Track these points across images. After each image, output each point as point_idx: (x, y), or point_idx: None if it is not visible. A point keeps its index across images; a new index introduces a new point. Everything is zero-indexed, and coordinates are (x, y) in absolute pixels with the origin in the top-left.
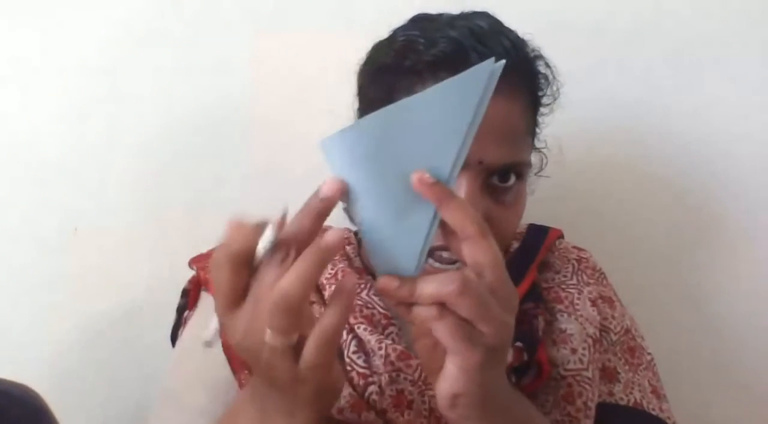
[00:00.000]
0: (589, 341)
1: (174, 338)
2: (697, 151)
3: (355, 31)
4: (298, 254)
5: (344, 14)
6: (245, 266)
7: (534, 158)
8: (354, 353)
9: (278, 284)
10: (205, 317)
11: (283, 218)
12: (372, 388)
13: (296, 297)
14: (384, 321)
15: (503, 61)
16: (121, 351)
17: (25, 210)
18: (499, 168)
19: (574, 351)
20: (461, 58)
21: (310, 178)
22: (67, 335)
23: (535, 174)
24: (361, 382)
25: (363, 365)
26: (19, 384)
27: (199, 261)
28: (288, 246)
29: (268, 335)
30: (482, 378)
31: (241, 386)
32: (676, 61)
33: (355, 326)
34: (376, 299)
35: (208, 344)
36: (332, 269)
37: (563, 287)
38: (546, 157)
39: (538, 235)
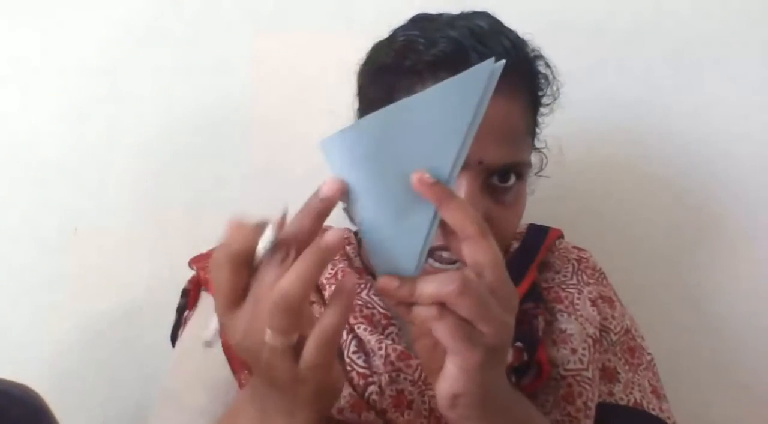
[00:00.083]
0: (589, 341)
1: (174, 338)
2: (697, 151)
3: (355, 31)
4: (299, 254)
5: (344, 14)
6: (245, 266)
7: (534, 158)
8: (354, 353)
9: (278, 284)
10: (205, 317)
11: (283, 218)
12: (372, 388)
13: (296, 297)
14: (384, 321)
15: (503, 61)
16: (121, 351)
17: (25, 210)
18: (499, 168)
19: (574, 351)
20: (461, 58)
21: (310, 178)
22: (67, 335)
23: (535, 174)
24: (361, 382)
25: (363, 365)
26: (19, 384)
27: (199, 261)
28: (288, 246)
29: (268, 335)
30: (482, 378)
31: (241, 386)
32: (676, 61)
33: (355, 326)
34: (376, 299)
35: (208, 344)
36: (332, 269)
37: (563, 287)
38: (546, 157)
39: (538, 235)
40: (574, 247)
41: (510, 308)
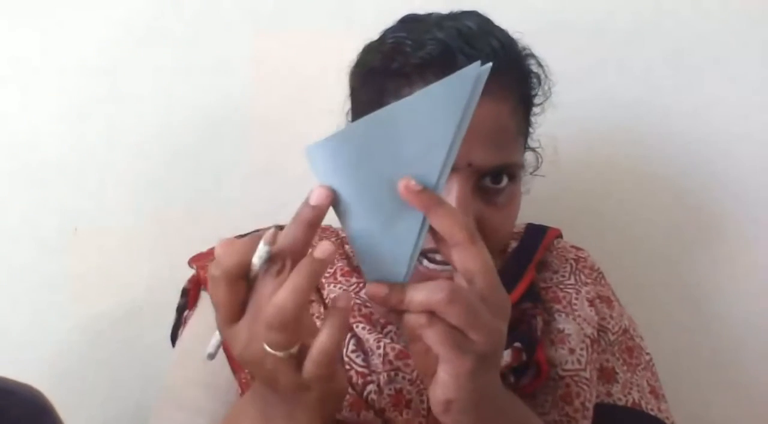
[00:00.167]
0: (587, 341)
1: (174, 337)
2: (697, 151)
3: (355, 31)
4: (294, 264)
5: (344, 14)
6: (241, 281)
7: (531, 158)
8: (353, 352)
9: (272, 299)
10: (205, 316)
11: (276, 230)
12: (370, 387)
13: (291, 311)
14: (382, 320)
15: (490, 64)
16: (121, 351)
17: (25, 210)
18: (490, 170)
19: (572, 351)
20: (448, 61)
21: (310, 179)
22: (67, 335)
23: (531, 173)
24: (360, 381)
25: (362, 364)
26: (23, 384)
27: (198, 260)
28: (283, 258)
29: (268, 347)
30: (474, 384)
31: (241, 386)
32: (676, 61)
33: (354, 325)
34: None
35: (211, 356)
36: (331, 268)
37: (561, 286)
38: (541, 157)
39: (537, 234)
40: (572, 246)
41: (502, 315)
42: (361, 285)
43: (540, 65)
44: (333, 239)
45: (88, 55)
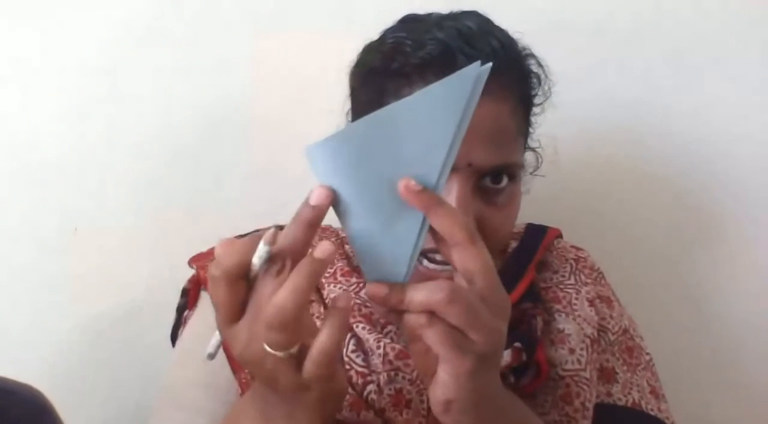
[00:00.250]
0: (587, 341)
1: (174, 337)
2: (697, 151)
3: (355, 31)
4: (294, 264)
5: (344, 14)
6: (241, 281)
7: (531, 158)
8: (353, 351)
9: (272, 300)
10: (205, 317)
11: (276, 230)
12: (370, 387)
13: (291, 312)
14: (383, 320)
15: (490, 64)
16: (121, 351)
17: (25, 210)
18: (489, 170)
19: (572, 351)
20: (448, 61)
21: (310, 179)
22: (67, 335)
23: (531, 173)
24: (360, 381)
25: (362, 364)
26: (23, 384)
27: (198, 260)
28: (283, 258)
29: (268, 347)
30: (474, 384)
31: (241, 385)
32: (676, 61)
33: (354, 325)
34: None
35: (211, 356)
36: (331, 268)
37: (561, 286)
38: (541, 157)
39: (537, 234)
40: (572, 246)
41: (502, 315)
42: (361, 285)
43: (540, 65)
44: (333, 239)
45: (88, 55)
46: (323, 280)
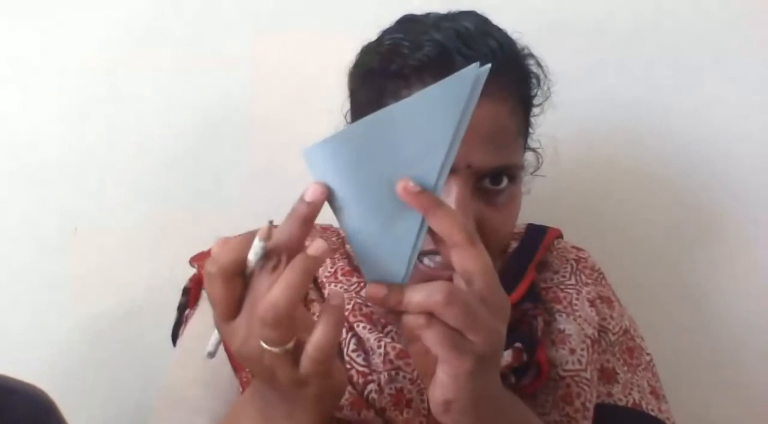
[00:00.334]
0: (588, 341)
1: (175, 336)
2: (697, 151)
3: (355, 31)
4: (290, 260)
5: (344, 14)
6: (237, 277)
7: (531, 158)
8: (353, 351)
9: (265, 297)
10: (206, 316)
11: (271, 226)
12: (371, 386)
13: (284, 308)
14: (383, 319)
15: (488, 66)
16: (121, 351)
17: (25, 210)
18: (489, 171)
19: (572, 352)
20: (446, 62)
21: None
22: (68, 335)
23: (531, 174)
24: (361, 380)
25: (362, 363)
26: (27, 383)
27: (200, 259)
28: (278, 254)
29: (264, 344)
30: (473, 385)
31: (242, 384)
32: (676, 61)
33: (355, 325)
34: None
35: (210, 354)
36: (332, 267)
37: (561, 287)
38: (542, 157)
39: (537, 234)
40: (573, 247)
41: (501, 316)
42: (362, 284)
43: (539, 65)
44: (334, 239)
45: (88, 55)
46: (324, 279)
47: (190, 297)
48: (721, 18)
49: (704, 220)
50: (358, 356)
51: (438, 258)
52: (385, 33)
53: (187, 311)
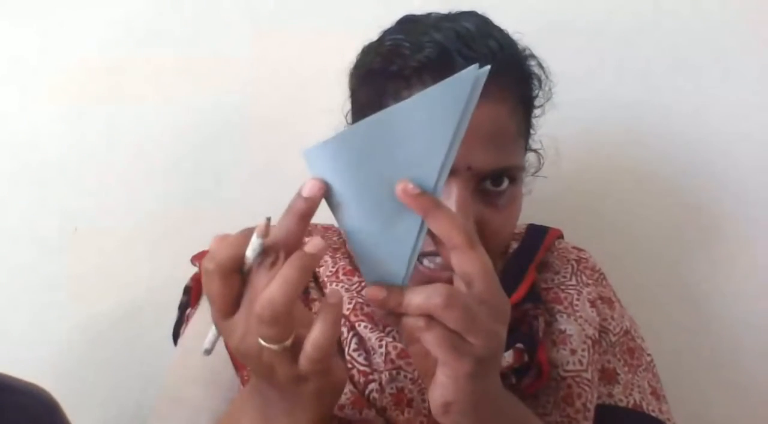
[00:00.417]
0: (589, 342)
1: (176, 336)
2: (697, 151)
3: (355, 31)
4: (288, 256)
5: (344, 14)
6: (235, 274)
7: (533, 158)
8: (354, 350)
9: (262, 294)
10: (207, 314)
11: (268, 223)
12: (372, 385)
13: (282, 305)
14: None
15: (488, 67)
16: (121, 351)
17: (25, 210)
18: (489, 173)
19: (573, 352)
20: (447, 63)
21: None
22: (68, 335)
23: (532, 174)
24: (362, 379)
25: (363, 362)
26: (30, 383)
27: (201, 258)
28: (276, 250)
29: (262, 341)
30: (473, 387)
31: (243, 382)
32: (676, 61)
33: (356, 324)
34: None
35: (208, 351)
36: (334, 267)
37: (562, 287)
38: (543, 158)
39: (538, 235)
40: (574, 247)
41: (500, 318)
42: (363, 284)
43: (541, 66)
44: (335, 238)
45: (88, 55)
46: (326, 279)
47: (191, 296)
48: (721, 18)
49: (704, 220)
50: (359, 355)
51: (438, 259)
52: (386, 33)
53: (188, 310)
